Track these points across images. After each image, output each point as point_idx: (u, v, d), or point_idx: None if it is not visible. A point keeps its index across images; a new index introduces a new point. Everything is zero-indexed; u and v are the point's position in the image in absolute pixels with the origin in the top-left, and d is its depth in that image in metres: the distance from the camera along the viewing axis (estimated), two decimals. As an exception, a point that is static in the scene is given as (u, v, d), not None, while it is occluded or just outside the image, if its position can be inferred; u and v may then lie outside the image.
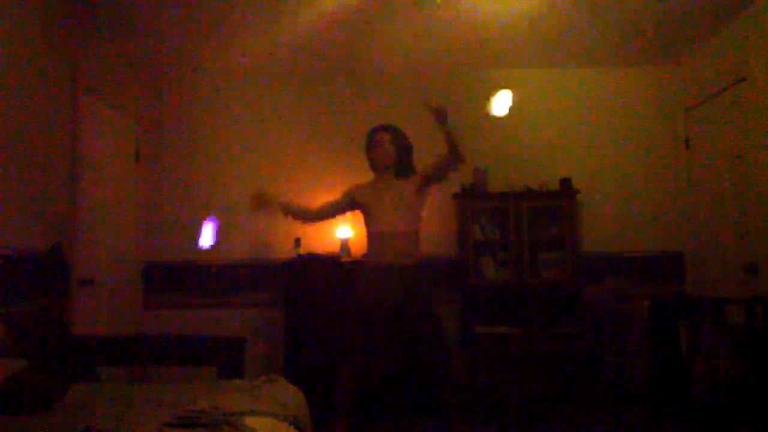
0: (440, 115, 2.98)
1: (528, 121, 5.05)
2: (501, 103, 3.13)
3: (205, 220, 3.70)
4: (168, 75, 5.06)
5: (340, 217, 4.63)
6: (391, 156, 3.36)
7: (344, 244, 4.68)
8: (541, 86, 5.11)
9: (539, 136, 5.07)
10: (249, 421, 1.90)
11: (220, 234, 4.90)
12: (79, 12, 3.81)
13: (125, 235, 4.55)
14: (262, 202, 3.35)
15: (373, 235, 3.36)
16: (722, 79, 4.34)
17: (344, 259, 4.59)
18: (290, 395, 2.48)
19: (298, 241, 4.70)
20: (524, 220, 4.72)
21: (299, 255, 4.63)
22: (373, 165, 3.44)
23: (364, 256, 3.49)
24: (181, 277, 4.92)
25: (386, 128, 3.43)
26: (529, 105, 5.06)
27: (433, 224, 4.80)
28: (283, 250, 4.81)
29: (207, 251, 4.89)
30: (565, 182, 4.81)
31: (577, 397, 4.37)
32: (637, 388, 4.44)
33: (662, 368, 4.24)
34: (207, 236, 3.59)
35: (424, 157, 3.60)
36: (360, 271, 3.39)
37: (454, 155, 3.13)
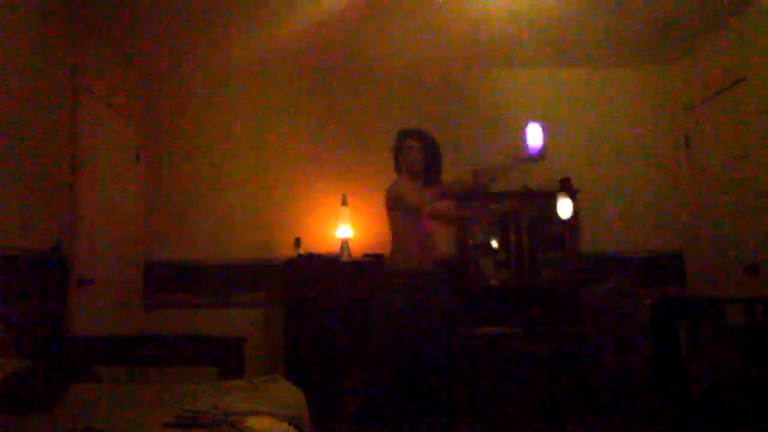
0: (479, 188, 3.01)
1: (528, 121, 5.04)
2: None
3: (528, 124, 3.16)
4: (168, 75, 5.06)
5: (342, 217, 4.65)
6: (420, 164, 3.26)
7: (344, 244, 4.68)
8: (541, 86, 5.11)
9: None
10: (249, 421, 1.90)
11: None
12: (78, 12, 3.81)
13: (125, 235, 4.55)
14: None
15: (405, 237, 3.17)
16: (722, 79, 4.34)
17: (344, 259, 4.59)
18: (290, 395, 2.49)
19: (298, 241, 4.70)
20: (524, 220, 4.72)
21: (299, 255, 4.63)
22: (400, 168, 3.32)
23: (389, 257, 3.27)
24: (181, 277, 4.91)
25: (418, 134, 3.30)
26: (529, 105, 5.06)
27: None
28: (283, 250, 4.81)
29: (206, 251, 4.91)
30: (565, 182, 4.80)
31: (577, 397, 4.36)
32: (637, 388, 4.43)
33: (662, 368, 4.24)
34: (536, 137, 3.06)
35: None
36: (387, 277, 3.19)
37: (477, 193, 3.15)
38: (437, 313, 3.10)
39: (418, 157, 3.25)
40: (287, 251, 4.75)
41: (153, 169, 4.95)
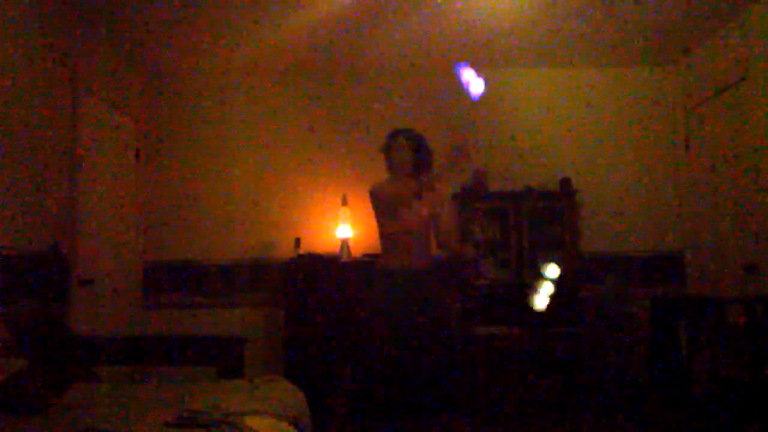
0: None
1: (528, 121, 5.05)
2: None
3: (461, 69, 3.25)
4: (168, 75, 5.05)
5: (342, 217, 4.67)
6: (409, 163, 3.32)
7: (344, 244, 4.68)
8: (541, 86, 5.11)
9: (539, 136, 5.07)
10: (249, 421, 1.90)
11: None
12: (78, 12, 3.81)
13: (125, 235, 4.55)
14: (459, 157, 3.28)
15: (388, 236, 3.27)
16: (722, 79, 4.34)
17: (344, 259, 4.59)
18: (290, 395, 2.48)
19: (298, 241, 4.70)
20: (524, 220, 4.72)
21: (299, 255, 4.63)
22: (390, 167, 3.38)
23: (379, 257, 3.36)
24: (181, 277, 4.91)
25: (407, 133, 3.35)
26: (529, 105, 5.06)
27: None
28: (283, 250, 4.81)
29: (206, 251, 4.91)
30: (565, 182, 4.81)
31: (577, 396, 4.36)
32: (637, 388, 4.44)
33: (662, 368, 4.24)
34: (475, 83, 3.19)
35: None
36: (373, 274, 3.29)
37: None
38: (423, 310, 3.14)
39: (407, 155, 3.29)
40: (287, 251, 4.75)
41: (153, 168, 4.95)
